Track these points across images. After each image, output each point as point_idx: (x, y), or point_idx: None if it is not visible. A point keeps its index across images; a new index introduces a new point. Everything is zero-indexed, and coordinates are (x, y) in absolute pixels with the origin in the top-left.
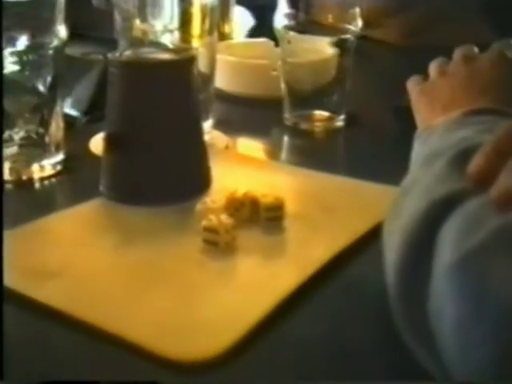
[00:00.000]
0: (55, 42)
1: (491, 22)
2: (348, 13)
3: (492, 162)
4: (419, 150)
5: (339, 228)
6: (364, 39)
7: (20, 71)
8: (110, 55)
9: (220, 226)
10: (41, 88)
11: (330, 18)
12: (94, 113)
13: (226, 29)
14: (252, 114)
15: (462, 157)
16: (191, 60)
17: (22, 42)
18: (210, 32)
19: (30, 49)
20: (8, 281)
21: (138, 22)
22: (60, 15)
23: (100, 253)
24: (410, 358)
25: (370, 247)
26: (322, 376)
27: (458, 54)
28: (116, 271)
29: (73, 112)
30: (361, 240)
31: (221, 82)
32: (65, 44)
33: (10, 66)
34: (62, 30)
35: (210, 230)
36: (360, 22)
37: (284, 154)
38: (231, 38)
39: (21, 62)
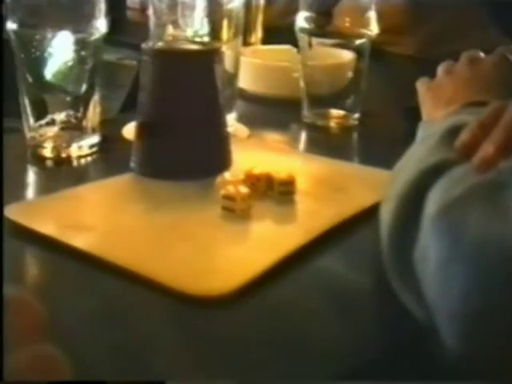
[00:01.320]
0: (96, 35)
1: (505, 31)
2: (364, 17)
3: (476, 136)
4: (420, 135)
5: (345, 203)
6: (379, 51)
7: (63, 63)
8: (143, 45)
9: (237, 194)
10: (81, 77)
11: (347, 22)
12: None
13: (253, 38)
14: (273, 111)
15: (452, 133)
16: (215, 51)
17: (65, 35)
18: (235, 35)
19: (73, 40)
20: (48, 231)
21: (170, 28)
22: (100, 10)
23: (130, 215)
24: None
25: (373, 219)
26: (317, 318)
27: (464, 56)
28: (145, 229)
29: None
30: (365, 212)
31: (246, 82)
32: (104, 37)
33: (56, 59)
34: (102, 25)
35: (227, 197)
36: (376, 27)
37: (301, 146)
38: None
39: (65, 53)
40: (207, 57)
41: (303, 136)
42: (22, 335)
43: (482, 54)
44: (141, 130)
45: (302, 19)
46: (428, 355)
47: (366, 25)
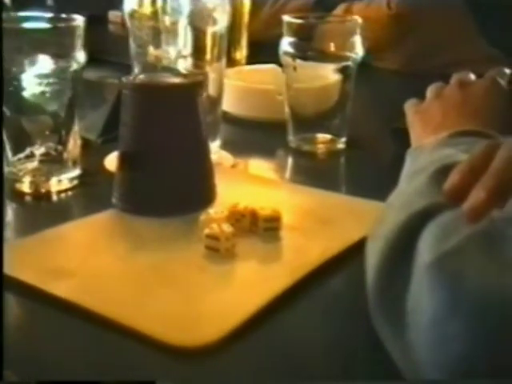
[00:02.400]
0: (74, 66)
1: (493, 42)
2: (349, 41)
3: (466, 180)
4: (408, 166)
5: (332, 238)
6: (366, 66)
7: (41, 93)
8: (123, 79)
9: (221, 233)
10: (60, 109)
11: (332, 47)
12: (108, 134)
13: (238, 55)
14: (258, 136)
15: (441, 173)
16: (199, 84)
17: (44, 65)
18: (219, 58)
19: (51, 73)
20: (28, 278)
21: (151, 48)
22: (79, 41)
23: (112, 257)
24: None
25: (361, 255)
26: (307, 367)
27: (454, 78)
28: (127, 273)
29: (88, 135)
30: (352, 248)
31: (229, 105)
32: (83, 68)
33: (32, 89)
34: (80, 55)
35: (211, 237)
36: (361, 50)
37: (287, 174)
38: (242, 64)
39: (42, 85)
40: (189, 90)
41: (289, 162)
42: None
43: (472, 77)
44: (122, 164)
45: (286, 44)
46: None
47: (351, 48)
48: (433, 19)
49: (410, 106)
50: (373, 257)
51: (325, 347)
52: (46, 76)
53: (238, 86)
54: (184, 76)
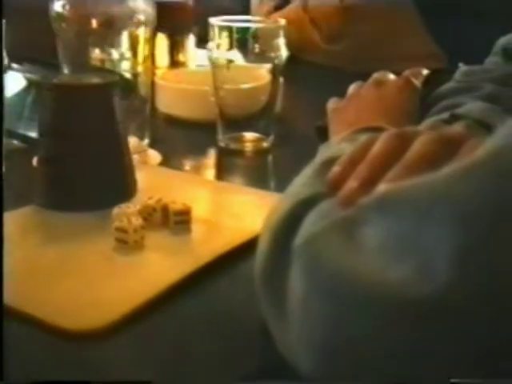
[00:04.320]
0: None
1: (437, 38)
2: (273, 42)
3: (346, 170)
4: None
5: (239, 229)
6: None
7: None
8: (42, 79)
9: (129, 225)
10: None
11: (257, 48)
12: None
13: (181, 57)
14: (189, 135)
15: (326, 165)
16: (111, 84)
17: None
18: (146, 59)
19: None
20: None
21: (96, 51)
22: None
23: (25, 250)
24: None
25: None
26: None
27: (372, 77)
28: (37, 264)
29: (30, 133)
30: (256, 240)
31: (164, 106)
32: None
33: None
34: None
35: (120, 229)
36: (285, 52)
37: (214, 172)
38: (186, 66)
39: None
40: (103, 90)
41: (217, 161)
42: None
43: (390, 76)
44: (40, 162)
45: (214, 46)
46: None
47: (276, 49)
48: (379, 12)
49: (331, 104)
50: (261, 244)
51: (215, 336)
52: None
53: (172, 87)
54: (102, 77)
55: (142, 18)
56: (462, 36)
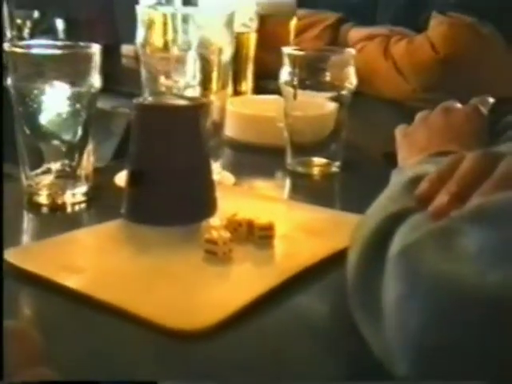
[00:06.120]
0: (90, 91)
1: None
2: (343, 71)
3: (434, 186)
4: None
5: (320, 246)
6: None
7: (58, 115)
8: (134, 100)
9: (219, 238)
10: (75, 131)
11: (327, 76)
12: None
13: (243, 87)
14: (258, 159)
15: (413, 182)
16: (201, 106)
17: (61, 89)
18: (223, 86)
19: (68, 96)
20: (41, 272)
21: (162, 78)
22: (95, 67)
23: (119, 258)
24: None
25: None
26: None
27: (440, 105)
28: (132, 271)
29: (98, 164)
30: (336, 256)
31: (233, 131)
32: (98, 93)
33: (50, 112)
34: (96, 81)
35: (210, 241)
36: (355, 80)
37: (284, 192)
38: (247, 94)
39: (60, 108)
40: (192, 111)
41: (286, 183)
42: (22, 360)
43: (458, 105)
44: (131, 179)
45: (286, 73)
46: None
47: (345, 78)
48: (476, 59)
49: (398, 131)
50: (352, 255)
51: (308, 339)
52: (64, 99)
53: (242, 114)
54: (187, 99)
55: (222, 46)
56: None
